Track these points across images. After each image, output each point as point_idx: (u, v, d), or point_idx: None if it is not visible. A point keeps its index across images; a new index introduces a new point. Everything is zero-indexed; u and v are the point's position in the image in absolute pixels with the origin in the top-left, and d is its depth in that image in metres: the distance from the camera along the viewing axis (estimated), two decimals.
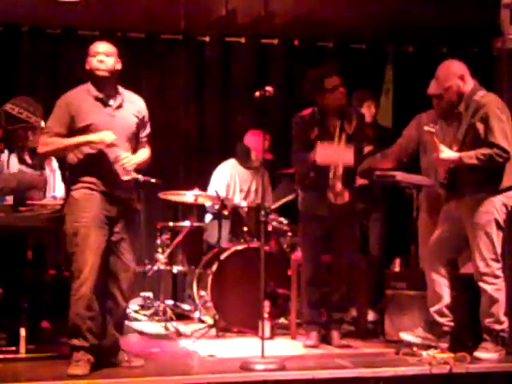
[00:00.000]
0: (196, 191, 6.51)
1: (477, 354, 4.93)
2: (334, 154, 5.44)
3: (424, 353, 4.88)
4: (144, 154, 4.83)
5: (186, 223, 6.60)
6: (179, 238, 6.49)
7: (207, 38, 7.68)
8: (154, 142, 7.69)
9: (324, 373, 4.57)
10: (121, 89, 4.75)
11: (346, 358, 5.00)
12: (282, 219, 6.51)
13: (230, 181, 7.05)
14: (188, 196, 6.55)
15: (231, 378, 4.48)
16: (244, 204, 6.58)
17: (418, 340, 5.12)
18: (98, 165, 4.61)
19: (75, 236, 4.52)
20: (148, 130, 4.88)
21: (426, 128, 5.17)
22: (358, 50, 7.93)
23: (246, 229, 6.35)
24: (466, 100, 5.04)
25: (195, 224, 6.60)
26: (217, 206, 6.52)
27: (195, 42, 7.67)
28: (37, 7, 6.75)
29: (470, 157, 4.91)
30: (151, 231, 7.06)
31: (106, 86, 4.67)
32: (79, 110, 4.61)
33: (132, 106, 4.76)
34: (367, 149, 6.53)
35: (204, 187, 6.90)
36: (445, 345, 5.08)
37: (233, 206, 6.56)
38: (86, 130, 4.58)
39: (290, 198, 6.59)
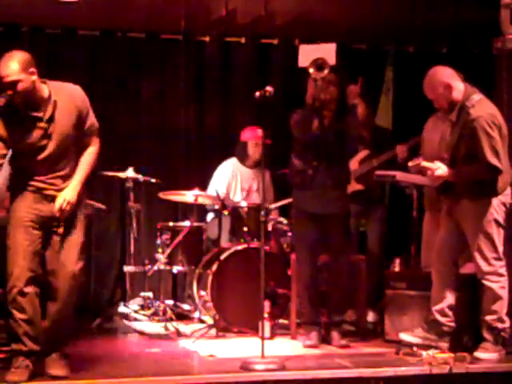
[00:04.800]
0: (196, 191, 6.51)
1: (477, 354, 4.93)
2: (317, 53, 5.40)
3: (424, 353, 4.88)
4: (84, 165, 4.48)
5: (186, 223, 6.60)
6: (179, 238, 6.49)
7: (207, 38, 7.68)
8: (154, 142, 7.69)
9: (324, 373, 4.57)
10: (47, 88, 4.41)
11: (346, 357, 5.00)
12: (282, 219, 6.51)
13: (231, 179, 7.02)
14: (188, 196, 6.56)
15: (231, 378, 4.49)
16: (244, 204, 6.58)
17: (417, 340, 5.12)
18: (27, 166, 4.40)
19: (7, 238, 4.39)
20: (89, 120, 4.49)
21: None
22: (358, 50, 7.93)
23: (246, 229, 6.35)
24: (459, 108, 5.05)
25: (195, 224, 6.59)
26: (217, 206, 6.52)
27: (195, 42, 7.67)
28: (37, 7, 6.74)
29: (462, 174, 5.01)
30: (151, 231, 7.06)
31: (28, 104, 4.34)
32: (9, 131, 4.32)
33: (65, 104, 4.40)
34: (364, 153, 6.52)
35: (204, 187, 6.89)
36: (445, 345, 5.09)
37: (233, 205, 6.56)
38: (24, 149, 4.34)
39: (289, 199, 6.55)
